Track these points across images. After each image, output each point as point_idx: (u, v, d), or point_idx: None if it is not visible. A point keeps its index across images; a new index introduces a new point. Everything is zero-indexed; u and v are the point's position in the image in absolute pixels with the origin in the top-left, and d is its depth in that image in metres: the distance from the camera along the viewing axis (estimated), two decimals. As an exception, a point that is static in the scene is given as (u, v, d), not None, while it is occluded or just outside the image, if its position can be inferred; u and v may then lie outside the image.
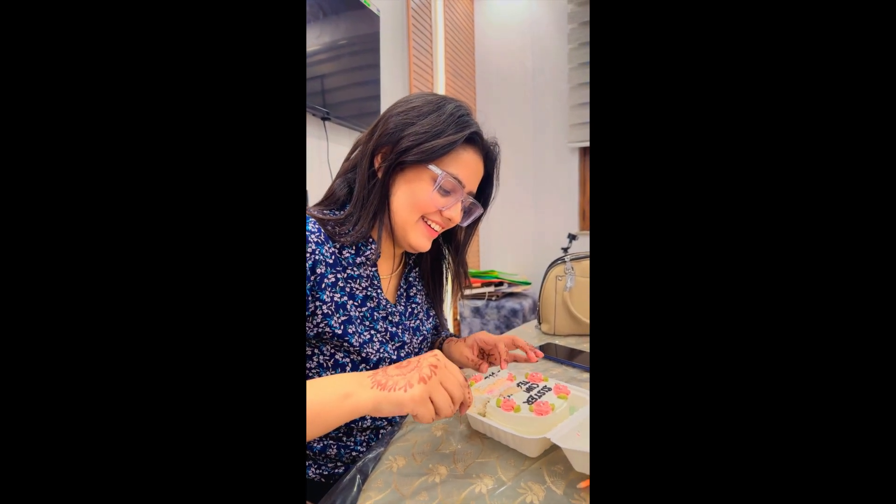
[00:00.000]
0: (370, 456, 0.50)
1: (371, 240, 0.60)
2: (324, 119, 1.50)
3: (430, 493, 0.42)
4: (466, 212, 0.64)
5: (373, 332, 0.61)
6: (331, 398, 0.43)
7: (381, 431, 0.63)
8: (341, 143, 1.66)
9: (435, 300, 0.74)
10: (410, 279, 0.70)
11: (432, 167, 0.56)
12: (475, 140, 0.59)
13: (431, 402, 0.42)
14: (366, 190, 0.58)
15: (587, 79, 2.36)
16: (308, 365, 0.59)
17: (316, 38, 1.41)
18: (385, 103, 1.86)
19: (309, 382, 0.45)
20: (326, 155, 1.55)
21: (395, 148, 0.56)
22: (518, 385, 0.57)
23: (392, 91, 1.99)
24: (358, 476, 0.47)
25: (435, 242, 0.67)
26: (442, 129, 0.56)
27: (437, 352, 0.47)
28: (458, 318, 2.41)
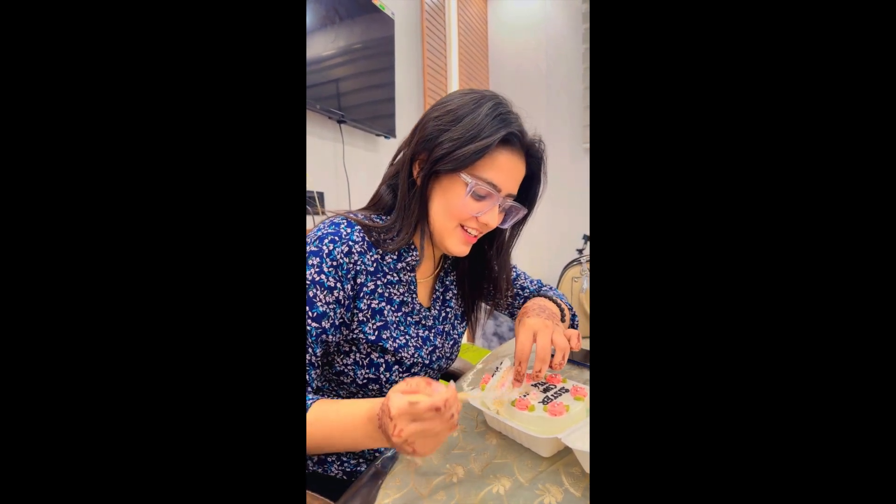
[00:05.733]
0: (388, 455, 0.51)
1: (413, 246, 0.60)
2: (339, 122, 1.52)
3: (448, 493, 0.42)
4: (507, 214, 0.62)
5: (407, 336, 0.61)
6: (359, 423, 0.43)
7: None
8: (356, 146, 1.67)
9: (472, 303, 0.73)
10: (447, 283, 0.70)
11: (463, 175, 0.55)
12: (511, 140, 0.57)
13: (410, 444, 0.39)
14: (407, 198, 0.59)
15: (602, 78, 2.33)
16: (344, 361, 0.60)
17: (331, 42, 1.42)
18: (400, 106, 1.87)
19: (337, 402, 0.46)
20: (342, 157, 1.57)
21: (430, 156, 0.56)
22: (535, 385, 0.56)
23: (406, 93, 2.00)
24: (376, 474, 0.48)
25: (477, 245, 0.66)
26: (476, 133, 0.54)
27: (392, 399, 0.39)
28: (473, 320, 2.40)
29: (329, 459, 0.65)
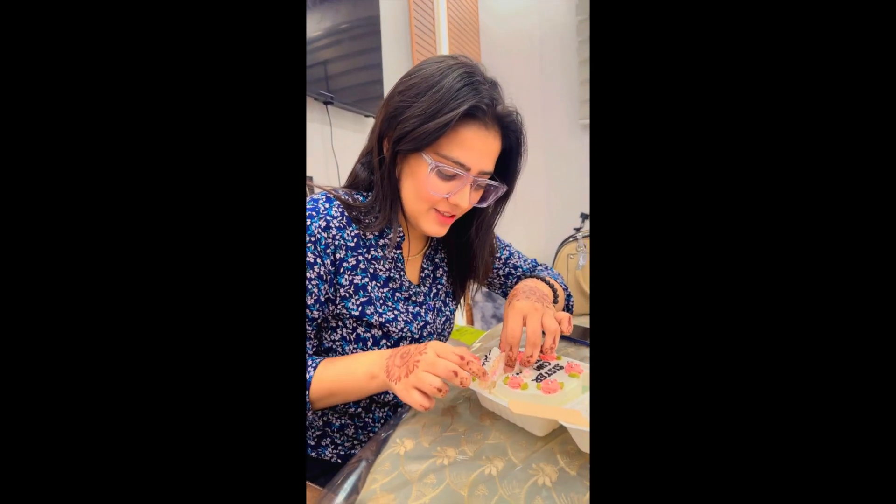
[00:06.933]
0: (381, 437, 0.50)
1: (395, 224, 0.58)
2: (327, 104, 1.48)
3: (438, 476, 0.41)
4: (486, 192, 0.58)
5: (396, 311, 0.60)
6: (361, 378, 0.50)
7: (399, 409, 0.63)
8: (344, 128, 1.64)
9: (462, 281, 0.71)
10: (436, 260, 0.69)
11: (424, 156, 0.51)
12: (477, 113, 0.52)
13: (418, 389, 0.44)
14: (380, 178, 0.56)
15: (596, 51, 2.27)
16: (332, 337, 0.59)
17: (317, 24, 1.38)
18: (388, 86, 1.82)
19: (340, 360, 0.53)
20: (330, 139, 1.54)
21: (393, 135, 0.53)
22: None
23: (395, 73, 1.95)
24: (365, 459, 0.46)
25: (463, 222, 0.63)
26: (438, 109, 0.50)
27: (431, 344, 0.47)
28: (471, 302, 2.40)
29: (324, 443, 0.65)
